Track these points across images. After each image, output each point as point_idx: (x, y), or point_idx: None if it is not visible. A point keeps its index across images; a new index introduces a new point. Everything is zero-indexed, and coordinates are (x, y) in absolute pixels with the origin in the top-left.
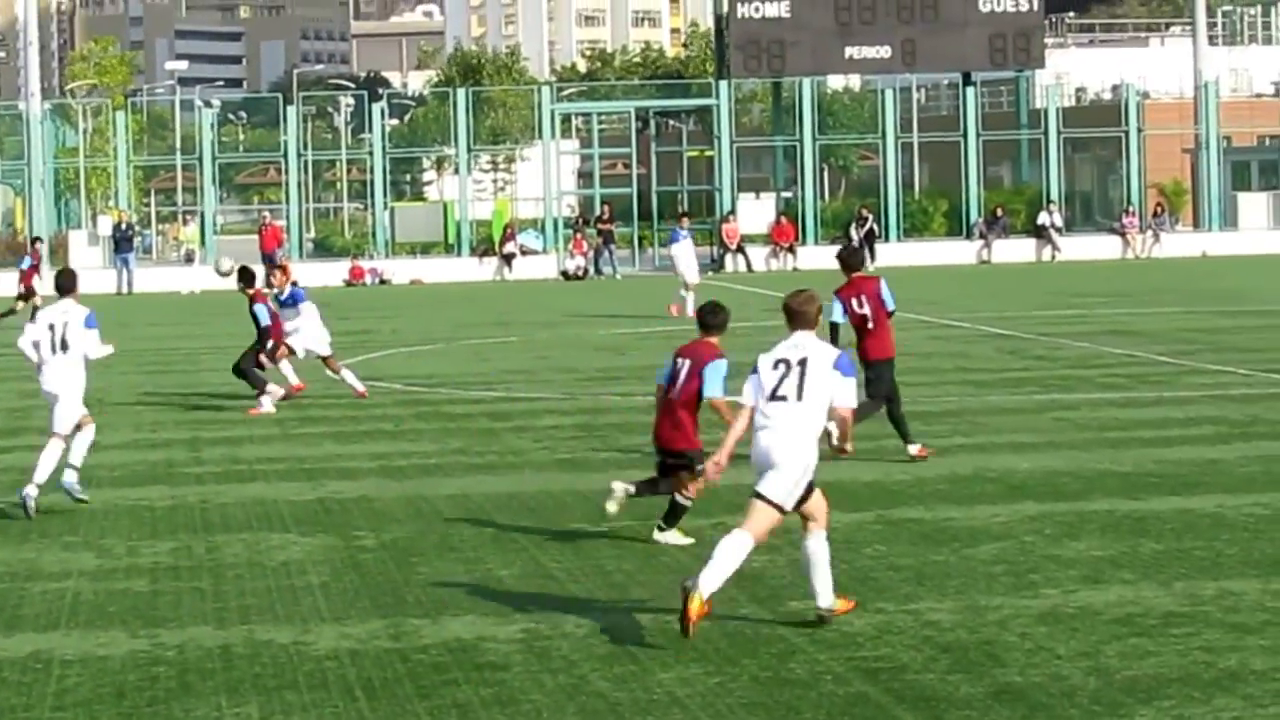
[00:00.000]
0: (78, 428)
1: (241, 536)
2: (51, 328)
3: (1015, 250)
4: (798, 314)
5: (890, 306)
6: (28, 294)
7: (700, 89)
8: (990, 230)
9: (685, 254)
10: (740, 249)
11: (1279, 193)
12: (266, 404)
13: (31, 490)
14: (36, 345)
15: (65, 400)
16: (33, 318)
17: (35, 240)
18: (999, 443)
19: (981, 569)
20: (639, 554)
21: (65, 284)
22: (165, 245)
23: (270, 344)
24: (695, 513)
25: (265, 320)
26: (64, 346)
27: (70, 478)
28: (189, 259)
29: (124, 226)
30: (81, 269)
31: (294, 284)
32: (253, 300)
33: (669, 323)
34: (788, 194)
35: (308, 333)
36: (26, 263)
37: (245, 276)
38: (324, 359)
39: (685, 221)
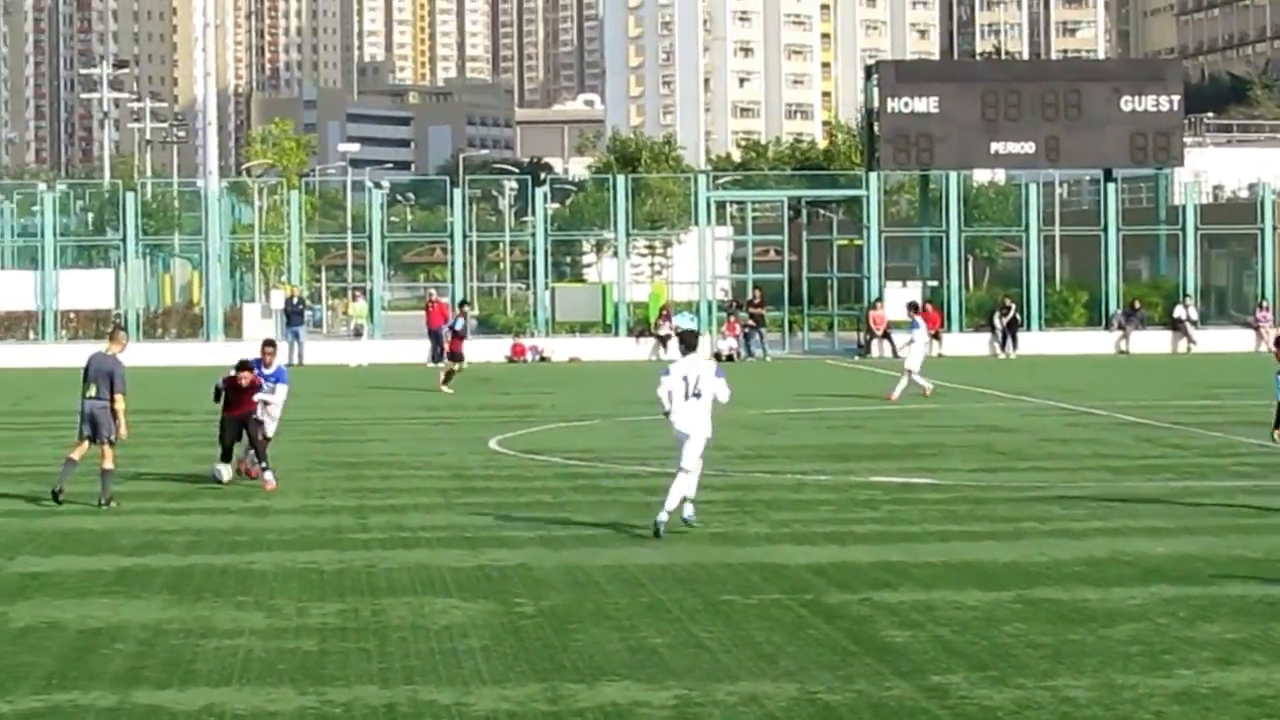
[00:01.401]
0: None
1: (406, 600)
2: (685, 379)
3: (1152, 341)
4: None
5: None
6: (456, 356)
7: (850, 180)
8: (1128, 322)
9: (917, 342)
10: (886, 335)
11: None
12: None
13: (663, 516)
14: (670, 394)
15: (695, 439)
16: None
17: (463, 304)
18: (1135, 527)
19: (1117, 648)
20: (788, 626)
21: (690, 342)
22: (334, 320)
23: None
24: None
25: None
26: (697, 394)
27: (689, 511)
28: (357, 334)
29: (295, 301)
30: (253, 341)
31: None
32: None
33: (817, 404)
34: (933, 283)
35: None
36: (460, 324)
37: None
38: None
39: (916, 314)
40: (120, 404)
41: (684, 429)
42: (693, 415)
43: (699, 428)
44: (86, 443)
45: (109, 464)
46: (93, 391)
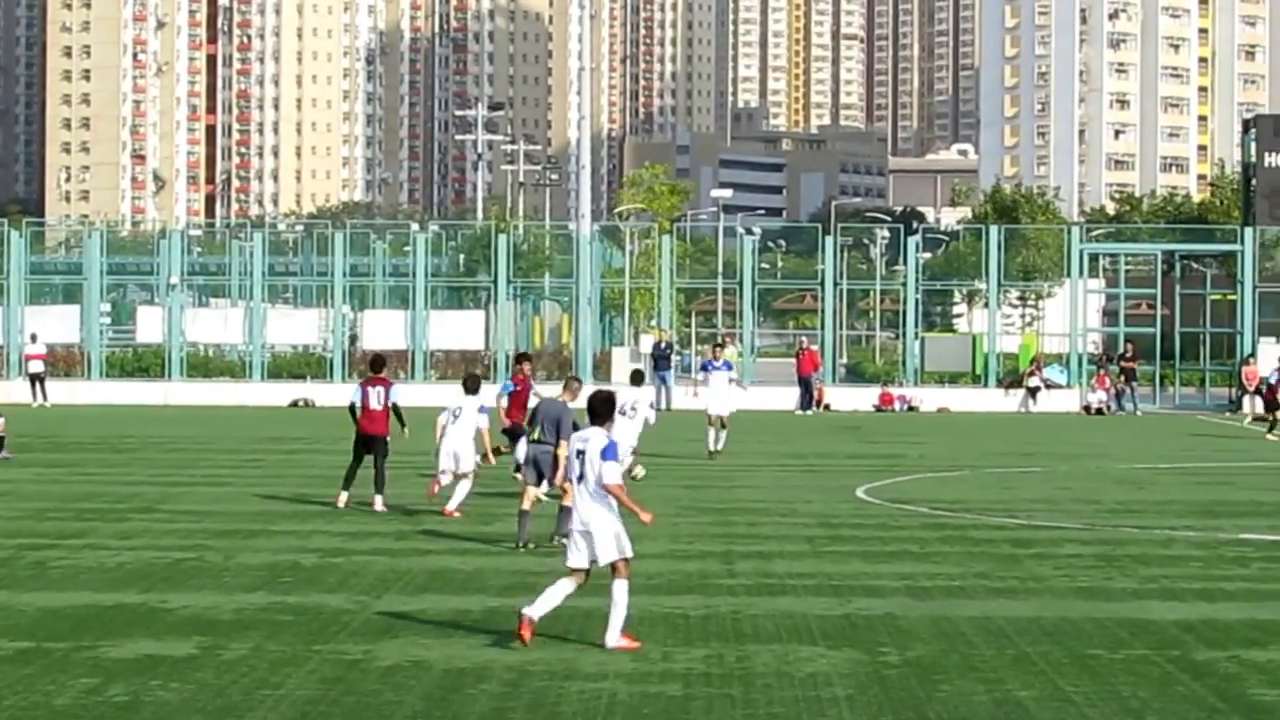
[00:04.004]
0: None
1: (771, 647)
2: None
3: None
4: None
5: None
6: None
7: (1225, 234)
8: None
9: None
10: (1258, 391)
11: None
12: None
13: None
14: None
15: None
16: None
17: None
18: None
19: None
20: (1155, 682)
21: None
22: None
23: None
24: None
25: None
26: None
27: None
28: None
29: (663, 345)
30: (622, 385)
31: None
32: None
33: (1187, 459)
34: None
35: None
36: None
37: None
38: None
39: None
40: (564, 450)
41: None
42: None
43: None
44: (532, 488)
45: (526, 505)
46: (536, 435)
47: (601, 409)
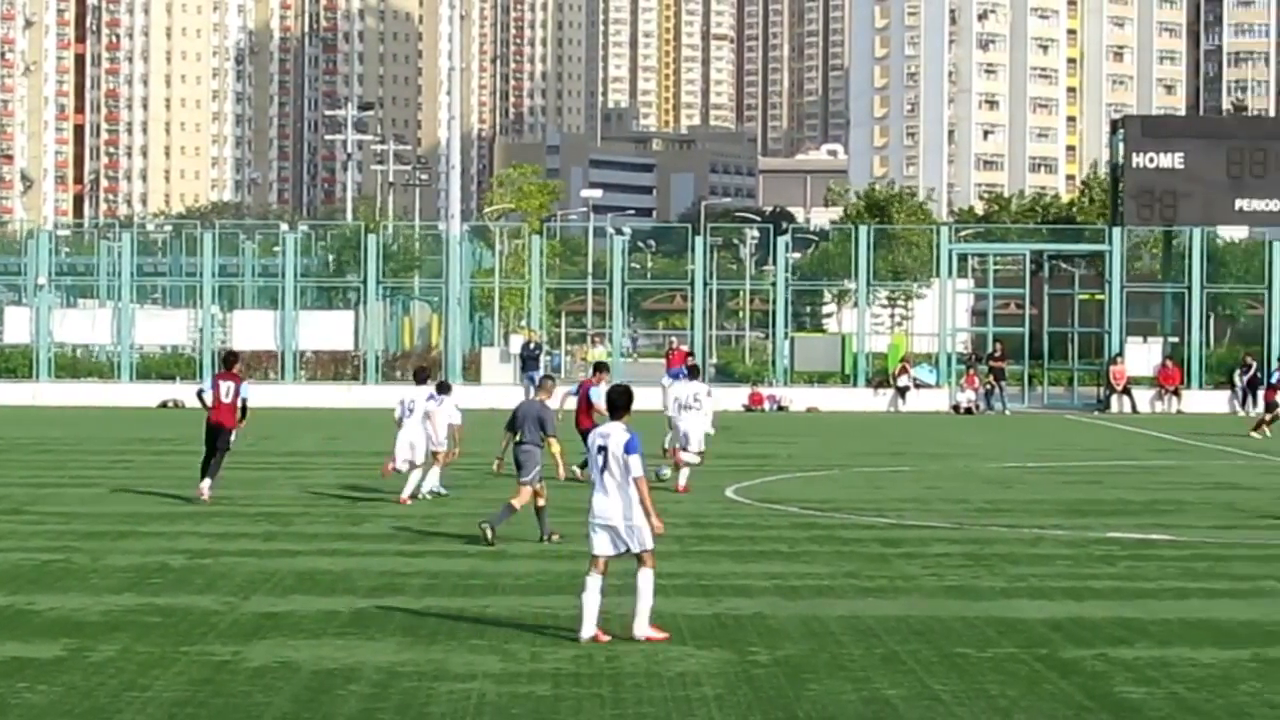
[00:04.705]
0: None
1: (640, 647)
2: None
3: None
4: None
5: None
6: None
7: (1093, 235)
8: None
9: None
10: (1126, 390)
11: None
12: None
13: None
14: None
15: None
16: None
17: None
18: None
19: None
20: (1023, 680)
21: None
22: (572, 366)
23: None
24: None
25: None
26: None
27: None
28: None
29: (532, 346)
30: (492, 385)
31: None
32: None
33: (1055, 458)
34: (1174, 339)
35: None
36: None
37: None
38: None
39: None
40: (555, 446)
41: None
42: None
43: None
44: (527, 486)
45: (518, 502)
46: (519, 436)
47: (620, 401)
